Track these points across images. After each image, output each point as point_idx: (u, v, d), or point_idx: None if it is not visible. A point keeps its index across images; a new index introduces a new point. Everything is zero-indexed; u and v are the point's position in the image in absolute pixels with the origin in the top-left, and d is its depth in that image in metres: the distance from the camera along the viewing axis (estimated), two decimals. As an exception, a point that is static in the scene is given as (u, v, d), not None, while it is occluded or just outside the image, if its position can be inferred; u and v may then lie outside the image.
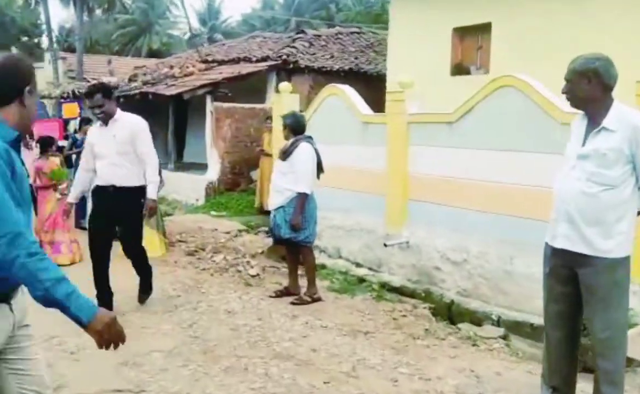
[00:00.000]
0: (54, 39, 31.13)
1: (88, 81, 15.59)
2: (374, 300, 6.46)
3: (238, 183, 12.67)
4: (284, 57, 12.76)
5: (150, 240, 7.87)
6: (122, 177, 5.41)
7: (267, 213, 11.80)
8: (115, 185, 5.41)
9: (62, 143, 10.29)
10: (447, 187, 6.85)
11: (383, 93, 8.77)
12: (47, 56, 28.75)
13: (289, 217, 6.09)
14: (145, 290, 5.89)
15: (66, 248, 7.42)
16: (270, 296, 6.32)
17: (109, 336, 2.04)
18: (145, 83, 13.65)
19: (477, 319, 6.39)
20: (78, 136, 9.88)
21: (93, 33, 40.59)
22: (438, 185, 6.97)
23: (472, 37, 9.97)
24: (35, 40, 47.02)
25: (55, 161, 7.51)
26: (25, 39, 46.02)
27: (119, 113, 5.52)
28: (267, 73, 12.80)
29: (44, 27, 46.73)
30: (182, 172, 13.13)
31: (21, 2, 42.01)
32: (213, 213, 11.45)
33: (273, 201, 6.27)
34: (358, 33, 15.23)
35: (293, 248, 6.37)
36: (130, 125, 5.50)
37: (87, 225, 9.12)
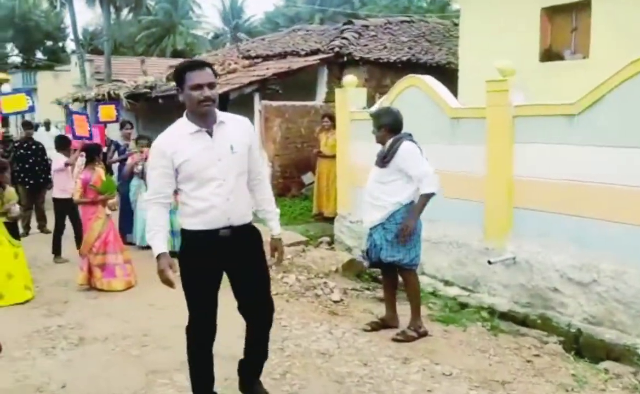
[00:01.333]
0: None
1: (122, 81, 14.67)
2: (489, 332, 5.36)
3: (289, 188, 11.64)
4: (336, 49, 11.67)
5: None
6: (244, 210, 3.56)
7: (326, 220, 10.90)
8: (233, 225, 3.47)
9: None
10: (568, 192, 5.72)
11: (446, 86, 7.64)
12: (74, 59, 28.29)
13: (390, 236, 5.03)
14: (258, 369, 3.90)
15: (120, 270, 6.46)
16: (365, 330, 5.26)
17: None
18: (184, 82, 12.65)
19: (614, 353, 5.28)
20: (120, 142, 8.94)
21: (117, 35, 40.01)
22: (554, 189, 5.84)
23: (566, 17, 8.78)
24: (60, 44, 46.83)
25: (101, 171, 6.56)
26: (49, 43, 45.87)
27: (220, 113, 3.49)
28: (318, 67, 11.73)
29: (68, 30, 46.74)
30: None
31: (45, 6, 41.61)
32: (265, 221, 10.42)
33: (370, 218, 5.21)
34: (409, 22, 14.07)
35: (391, 271, 5.31)
36: (244, 129, 3.56)
37: (135, 241, 8.36)
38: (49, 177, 10.01)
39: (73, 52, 34.57)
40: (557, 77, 8.24)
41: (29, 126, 9.96)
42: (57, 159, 7.90)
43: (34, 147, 9.82)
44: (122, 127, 9.07)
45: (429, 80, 7.27)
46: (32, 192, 9.36)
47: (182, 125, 3.40)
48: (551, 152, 5.87)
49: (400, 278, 5.31)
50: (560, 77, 8.19)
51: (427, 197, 4.94)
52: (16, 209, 5.98)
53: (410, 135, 5.23)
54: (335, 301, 6.09)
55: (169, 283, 3.37)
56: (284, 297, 6.21)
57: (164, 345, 4.95)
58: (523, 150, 6.12)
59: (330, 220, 10.29)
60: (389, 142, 5.12)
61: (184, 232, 3.49)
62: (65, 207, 7.64)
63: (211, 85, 3.29)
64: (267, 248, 3.85)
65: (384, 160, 5.10)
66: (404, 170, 4.94)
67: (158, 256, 3.39)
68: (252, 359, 3.79)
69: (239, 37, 38.51)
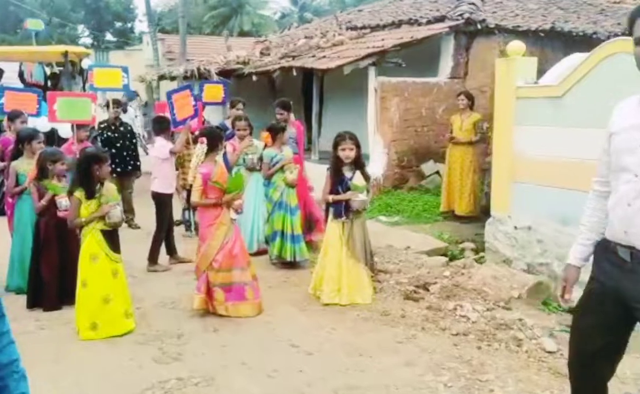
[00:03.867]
0: (147, 23, 29.82)
1: (211, 58, 13.17)
2: None
3: (406, 178, 9.90)
4: (466, 15, 9.77)
5: (359, 281, 5.25)
6: None
7: (457, 218, 9.13)
8: (634, 247, 2.37)
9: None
10: None
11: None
12: (145, 38, 27.52)
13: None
14: None
15: (251, 291, 4.92)
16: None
17: None
18: (283, 57, 11.08)
19: None
20: (227, 123, 7.37)
21: (184, 15, 39.22)
22: None
23: None
24: (129, 25, 46.61)
25: (222, 164, 5.01)
26: (118, 24, 45.66)
27: None
28: (442, 37, 9.89)
29: (136, 11, 46.44)
30: (330, 165, 10.42)
31: (115, -14, 41.35)
32: (382, 218, 8.75)
33: None
34: (538, -15, 12.00)
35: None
36: None
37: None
38: (138, 163, 8.65)
39: (142, 32, 33.86)
40: None
41: (117, 105, 8.57)
42: (158, 144, 6.46)
43: (122, 128, 8.44)
44: (232, 106, 7.48)
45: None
46: (119, 180, 7.97)
47: None
48: None
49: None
50: None
51: None
52: (117, 213, 4.49)
53: None
54: (549, 352, 4.32)
55: None
56: (472, 341, 4.49)
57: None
58: None
59: (463, 219, 8.53)
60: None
61: None
62: (169, 204, 6.26)
63: None
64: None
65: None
66: None
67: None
68: None
69: (306, 18, 36.92)
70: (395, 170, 9.75)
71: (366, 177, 5.33)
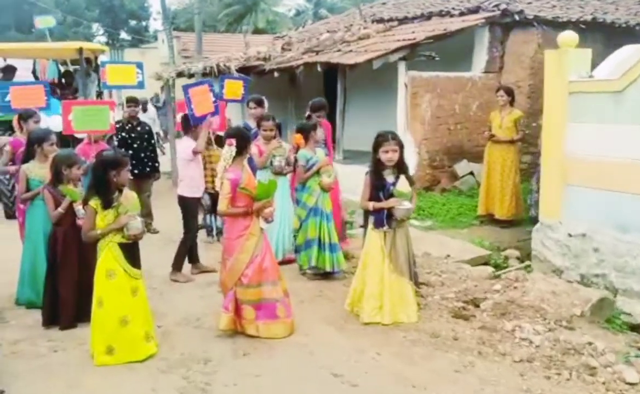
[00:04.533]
0: (161, 21, 29.61)
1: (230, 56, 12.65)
2: None
3: (438, 180, 9.34)
4: (503, 5, 9.18)
5: (402, 297, 4.73)
6: None
7: (496, 223, 8.55)
8: None
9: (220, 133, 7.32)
10: None
11: None
12: (161, 36, 27.26)
13: None
14: None
15: (282, 309, 4.41)
16: None
17: None
18: (305, 52, 10.55)
19: None
20: (250, 122, 6.83)
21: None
22: None
23: None
24: (143, 24, 46.46)
25: (248, 168, 4.50)
26: (133, 22, 45.50)
27: None
28: (476, 30, 9.31)
29: (150, 10, 46.26)
30: (357, 164, 9.87)
31: (130, -15, 41.19)
32: (415, 222, 8.19)
33: None
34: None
35: None
36: None
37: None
38: (157, 164, 8.19)
39: (157, 30, 33.55)
40: None
41: (134, 103, 8.08)
42: (184, 144, 5.97)
43: (139, 128, 7.96)
44: (248, 105, 6.92)
45: None
46: (137, 182, 7.48)
47: None
48: None
49: None
50: None
51: None
52: (137, 224, 4.00)
53: None
54: (630, 384, 3.77)
55: None
56: (538, 369, 3.94)
57: None
58: None
59: (503, 223, 7.96)
60: None
61: None
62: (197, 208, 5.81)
63: None
64: None
65: None
66: None
67: None
68: None
69: (321, 14, 36.36)
70: (426, 170, 9.20)
71: (411, 182, 4.79)
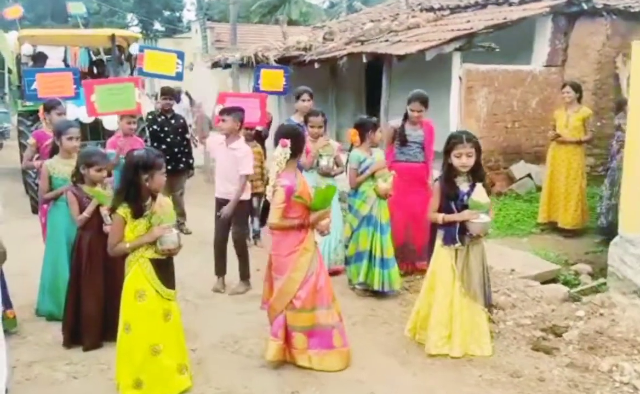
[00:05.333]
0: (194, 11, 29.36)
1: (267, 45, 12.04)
2: None
3: (493, 182, 8.55)
4: (569, -7, 8.37)
5: (475, 326, 4.05)
6: None
7: (560, 232, 7.76)
8: None
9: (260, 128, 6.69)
10: None
11: None
12: (194, 26, 27.01)
13: None
14: None
15: (339, 337, 3.79)
16: None
17: None
18: (349, 42, 9.87)
19: None
20: (294, 118, 6.17)
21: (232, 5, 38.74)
22: None
23: None
24: (177, 14, 46.36)
25: (300, 174, 3.86)
26: (167, 13, 45.39)
27: None
28: (537, 20, 8.50)
29: (184, 1, 46.06)
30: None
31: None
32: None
33: None
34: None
35: None
36: None
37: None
38: (191, 161, 7.62)
39: (190, 21, 33.30)
40: None
41: (168, 94, 7.50)
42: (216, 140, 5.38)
43: (172, 121, 7.39)
44: (298, 97, 6.22)
45: None
46: (169, 179, 6.87)
47: None
48: None
49: None
50: None
51: None
52: (173, 237, 3.39)
53: None
54: None
55: None
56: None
57: None
58: None
59: (567, 233, 7.19)
60: None
61: None
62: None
63: None
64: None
65: None
66: None
67: None
68: None
69: (355, 7, 35.62)
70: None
71: (488, 191, 4.11)
